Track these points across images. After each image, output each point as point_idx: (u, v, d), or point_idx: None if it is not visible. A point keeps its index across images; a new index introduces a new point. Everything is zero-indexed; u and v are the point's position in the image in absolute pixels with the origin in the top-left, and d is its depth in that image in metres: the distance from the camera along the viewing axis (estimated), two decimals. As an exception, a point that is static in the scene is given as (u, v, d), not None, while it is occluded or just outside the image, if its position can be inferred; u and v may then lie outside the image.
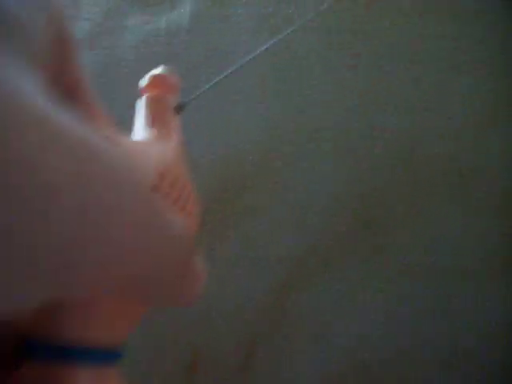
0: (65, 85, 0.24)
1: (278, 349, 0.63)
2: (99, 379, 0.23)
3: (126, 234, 0.18)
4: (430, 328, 0.63)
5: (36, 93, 0.16)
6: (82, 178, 0.16)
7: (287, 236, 0.68)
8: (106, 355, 0.23)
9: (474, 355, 0.62)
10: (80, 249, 0.16)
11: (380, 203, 0.69)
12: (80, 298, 0.22)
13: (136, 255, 0.19)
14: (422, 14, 0.80)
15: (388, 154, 0.72)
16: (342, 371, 0.62)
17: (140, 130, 0.28)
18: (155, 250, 0.20)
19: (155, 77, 0.30)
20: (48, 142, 0.15)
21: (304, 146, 0.73)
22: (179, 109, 0.30)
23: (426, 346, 0.62)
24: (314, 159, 0.72)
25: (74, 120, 0.16)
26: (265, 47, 0.29)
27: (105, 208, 0.17)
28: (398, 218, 0.68)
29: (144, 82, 0.30)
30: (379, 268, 0.66)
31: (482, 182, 0.69)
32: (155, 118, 0.28)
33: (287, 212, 0.69)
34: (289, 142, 0.73)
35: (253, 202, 0.70)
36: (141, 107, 0.29)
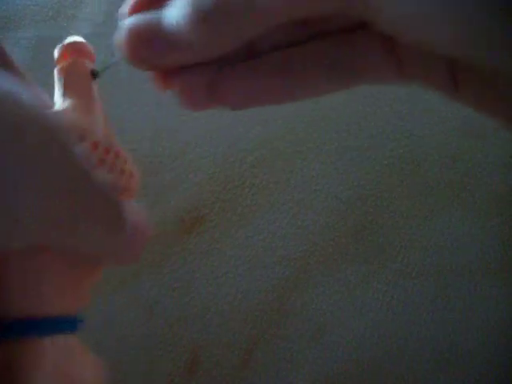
0: None
1: (278, 349, 0.63)
2: (62, 348, 0.23)
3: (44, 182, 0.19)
4: (430, 328, 0.63)
5: None
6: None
7: (287, 236, 0.68)
8: (63, 324, 0.23)
9: (474, 355, 0.62)
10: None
11: (380, 203, 0.69)
12: (20, 269, 0.22)
13: (56, 201, 0.20)
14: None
15: (388, 154, 0.72)
16: (342, 371, 0.62)
17: (58, 101, 0.28)
18: (75, 199, 0.21)
19: (66, 45, 0.30)
20: None
21: (304, 146, 0.73)
22: (95, 75, 0.30)
23: (425, 346, 0.63)
24: (314, 160, 0.72)
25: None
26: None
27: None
28: (399, 218, 0.68)
29: (55, 53, 0.30)
30: (379, 268, 0.66)
31: (482, 182, 0.69)
32: (71, 86, 0.28)
33: (287, 212, 0.69)
34: (289, 142, 0.73)
35: (252, 203, 0.70)
36: (57, 78, 0.29)
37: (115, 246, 0.24)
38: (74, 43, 0.30)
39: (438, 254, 0.66)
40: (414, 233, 0.67)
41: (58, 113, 0.26)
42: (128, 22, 0.23)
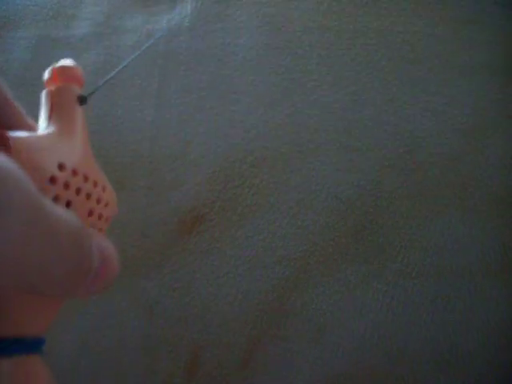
0: None
1: (278, 349, 0.63)
2: (21, 367, 0.23)
3: (14, 234, 0.19)
4: (430, 329, 0.63)
5: None
6: None
7: (287, 236, 0.68)
8: (26, 345, 0.23)
9: (473, 356, 0.62)
10: None
11: (380, 204, 0.69)
12: None
13: (25, 253, 0.20)
14: (423, 15, 0.81)
15: (388, 155, 0.72)
16: (342, 371, 0.62)
17: (42, 125, 0.28)
18: (42, 245, 0.21)
19: (55, 69, 0.29)
20: None
21: (304, 147, 0.73)
22: (82, 100, 0.30)
23: (425, 347, 0.62)
24: (314, 159, 0.72)
25: None
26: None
27: None
28: (399, 218, 0.68)
29: (45, 75, 0.30)
30: (379, 268, 0.66)
31: (482, 183, 0.69)
32: (57, 111, 0.28)
33: (287, 212, 0.69)
34: (289, 143, 0.73)
35: (252, 202, 0.70)
36: (43, 101, 0.29)
37: (80, 284, 0.24)
38: (65, 68, 0.30)
39: (437, 255, 0.66)
40: (414, 233, 0.67)
41: (38, 139, 0.26)
42: None
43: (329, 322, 0.64)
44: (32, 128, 0.28)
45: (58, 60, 0.30)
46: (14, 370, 0.23)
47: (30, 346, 0.24)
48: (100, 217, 0.28)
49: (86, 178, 0.27)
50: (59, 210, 0.22)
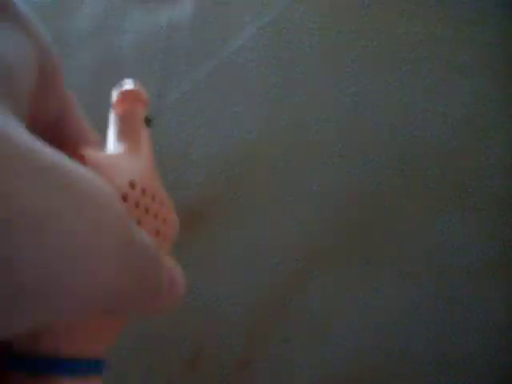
0: (49, 115, 0.25)
1: (279, 349, 0.63)
2: None
3: (103, 262, 0.18)
4: (431, 329, 0.63)
5: (20, 129, 0.16)
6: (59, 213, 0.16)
7: (286, 237, 0.68)
8: (89, 365, 0.24)
9: (474, 356, 0.62)
10: (54, 280, 0.16)
11: (379, 203, 0.69)
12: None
13: (116, 278, 0.19)
14: (424, 16, 0.81)
15: (387, 155, 0.72)
16: (344, 372, 0.62)
17: (111, 145, 0.29)
18: (131, 270, 0.20)
19: (124, 92, 0.31)
20: (33, 175, 0.15)
21: (305, 147, 0.73)
22: (148, 122, 0.31)
23: (426, 347, 0.62)
24: (313, 160, 0.72)
25: (54, 153, 0.17)
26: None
27: (80, 240, 0.17)
28: (399, 218, 0.68)
29: (114, 96, 0.31)
30: (380, 268, 0.66)
31: (481, 182, 0.69)
32: (125, 133, 0.29)
33: (286, 212, 0.69)
34: (290, 143, 0.73)
35: (253, 201, 0.70)
36: (112, 122, 0.30)
37: (151, 304, 0.24)
38: (133, 91, 0.31)
39: (438, 255, 0.66)
40: (414, 233, 0.67)
41: (109, 157, 0.26)
42: None
43: (330, 322, 0.64)
44: (97, 144, 0.29)
45: (116, 84, 0.32)
46: None
47: (93, 366, 0.24)
48: (166, 237, 0.28)
49: (153, 197, 0.27)
50: (140, 232, 0.21)
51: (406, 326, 0.63)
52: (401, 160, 0.71)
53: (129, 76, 0.77)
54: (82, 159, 0.23)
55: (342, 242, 0.67)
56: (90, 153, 0.24)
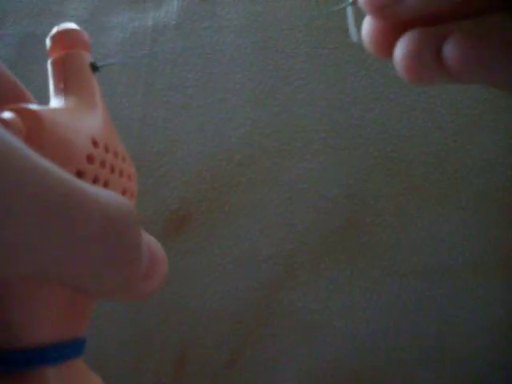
0: None
1: (266, 347, 0.63)
2: (67, 374, 0.21)
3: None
4: (418, 328, 0.64)
5: None
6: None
7: (274, 235, 0.68)
8: (66, 349, 0.22)
9: (460, 353, 0.62)
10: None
11: (367, 202, 0.69)
12: (22, 296, 0.20)
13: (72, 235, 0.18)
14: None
15: (375, 154, 0.72)
16: (330, 371, 0.62)
17: (56, 96, 0.25)
18: (108, 235, 0.19)
19: (59, 33, 0.26)
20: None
21: (292, 145, 0.73)
22: (94, 68, 0.27)
23: (413, 345, 0.63)
24: (301, 158, 0.72)
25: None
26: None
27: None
28: (386, 217, 0.68)
29: (48, 42, 0.26)
30: (367, 267, 0.66)
31: (468, 181, 0.70)
32: (70, 81, 0.25)
33: (274, 211, 0.69)
34: (276, 141, 0.73)
35: (240, 201, 0.70)
36: (52, 73, 0.25)
37: (132, 280, 0.21)
38: (70, 31, 0.27)
39: (424, 253, 0.66)
40: (400, 232, 0.68)
41: (63, 113, 0.22)
42: None
43: (316, 320, 0.64)
44: (31, 101, 0.25)
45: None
46: (62, 378, 0.21)
47: (73, 349, 0.22)
48: (132, 194, 0.25)
49: (115, 154, 0.24)
50: (105, 193, 0.19)
51: (393, 324, 0.64)
52: (387, 159, 0.71)
53: (115, 74, 0.77)
54: (35, 117, 0.19)
55: (329, 242, 0.67)
56: (42, 110, 0.20)
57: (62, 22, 0.28)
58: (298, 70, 0.78)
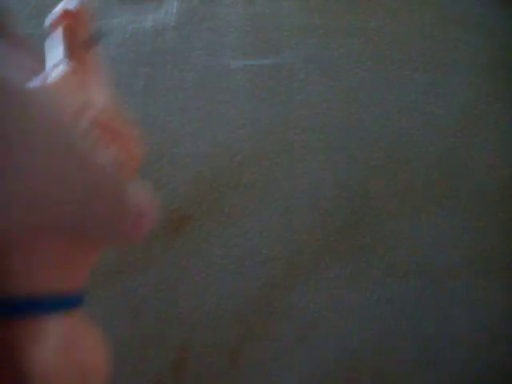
0: None
1: (265, 348, 0.63)
2: (67, 324, 0.23)
3: (49, 165, 0.19)
4: (417, 327, 0.63)
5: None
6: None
7: (275, 236, 0.68)
8: (66, 300, 0.23)
9: (458, 353, 0.62)
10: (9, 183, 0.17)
11: (367, 203, 0.69)
12: (23, 247, 0.21)
13: (61, 184, 0.19)
14: (410, 16, 0.81)
15: (375, 154, 0.72)
16: (329, 369, 0.62)
17: (61, 62, 0.26)
18: (80, 178, 0.21)
19: (61, 11, 0.29)
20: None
21: (291, 146, 0.73)
22: (94, 40, 0.29)
23: (412, 345, 0.63)
24: (301, 159, 0.72)
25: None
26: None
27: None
28: (385, 217, 0.68)
29: (54, 15, 0.28)
30: (366, 268, 0.66)
31: (467, 182, 0.70)
32: (72, 50, 0.27)
33: (275, 212, 0.69)
34: (276, 142, 0.73)
35: (240, 201, 0.70)
36: (54, 40, 0.28)
37: (119, 226, 0.24)
38: (71, 9, 0.28)
39: (423, 254, 0.66)
40: (400, 232, 0.68)
41: (68, 79, 0.25)
42: None
43: (315, 320, 0.64)
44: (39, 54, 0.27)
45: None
46: (62, 328, 0.22)
47: (71, 300, 0.23)
48: (134, 157, 0.27)
49: (117, 119, 0.26)
50: (97, 149, 0.22)
51: (392, 323, 0.64)
52: (387, 159, 0.71)
53: (115, 75, 0.77)
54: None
55: (329, 242, 0.67)
56: (55, 74, 0.22)
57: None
58: (297, 72, 0.78)
